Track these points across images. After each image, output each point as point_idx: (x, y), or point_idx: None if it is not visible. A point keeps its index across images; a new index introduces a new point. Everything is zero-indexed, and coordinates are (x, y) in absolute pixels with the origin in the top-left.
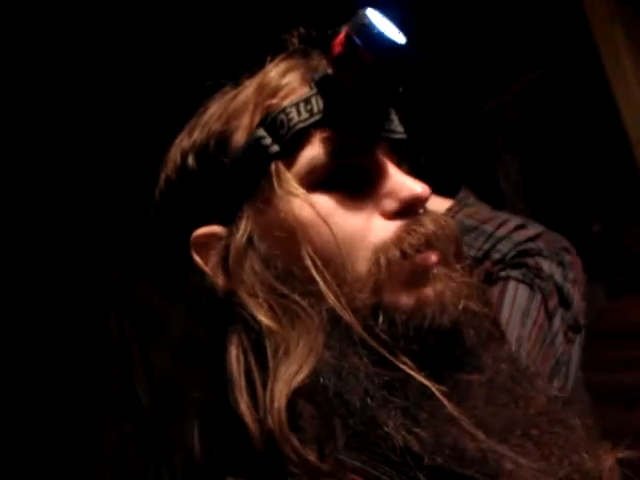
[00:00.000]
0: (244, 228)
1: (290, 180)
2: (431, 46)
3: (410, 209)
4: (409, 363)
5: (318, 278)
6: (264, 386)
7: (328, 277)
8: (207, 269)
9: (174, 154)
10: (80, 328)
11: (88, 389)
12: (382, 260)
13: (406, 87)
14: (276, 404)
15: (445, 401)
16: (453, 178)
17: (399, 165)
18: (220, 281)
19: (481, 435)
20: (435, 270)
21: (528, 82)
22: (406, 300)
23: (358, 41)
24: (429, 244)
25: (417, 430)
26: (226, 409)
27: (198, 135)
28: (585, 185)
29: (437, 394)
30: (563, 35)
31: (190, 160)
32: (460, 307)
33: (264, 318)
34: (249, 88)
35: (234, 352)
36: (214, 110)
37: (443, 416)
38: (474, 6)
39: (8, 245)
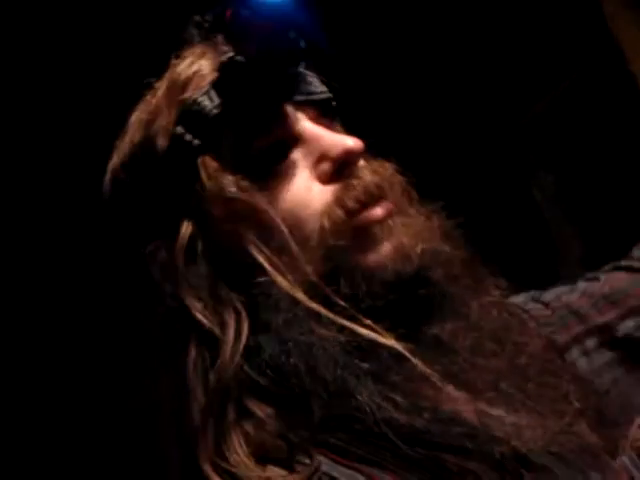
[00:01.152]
0: (186, 232)
1: (218, 171)
2: (454, 70)
3: (345, 166)
4: (372, 325)
5: (266, 264)
6: None
7: (275, 260)
8: (167, 279)
9: (107, 176)
10: None
11: None
12: (326, 224)
13: (307, 45)
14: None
15: (414, 359)
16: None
17: (332, 128)
18: (172, 291)
19: (452, 390)
20: (389, 222)
21: (555, 95)
22: (365, 259)
23: (243, 11)
24: (373, 196)
25: (392, 395)
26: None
27: (124, 150)
28: (622, 190)
29: (404, 353)
30: (584, 45)
31: (121, 177)
32: (420, 251)
33: (208, 323)
34: (160, 88)
35: (192, 360)
36: (133, 121)
37: (417, 376)
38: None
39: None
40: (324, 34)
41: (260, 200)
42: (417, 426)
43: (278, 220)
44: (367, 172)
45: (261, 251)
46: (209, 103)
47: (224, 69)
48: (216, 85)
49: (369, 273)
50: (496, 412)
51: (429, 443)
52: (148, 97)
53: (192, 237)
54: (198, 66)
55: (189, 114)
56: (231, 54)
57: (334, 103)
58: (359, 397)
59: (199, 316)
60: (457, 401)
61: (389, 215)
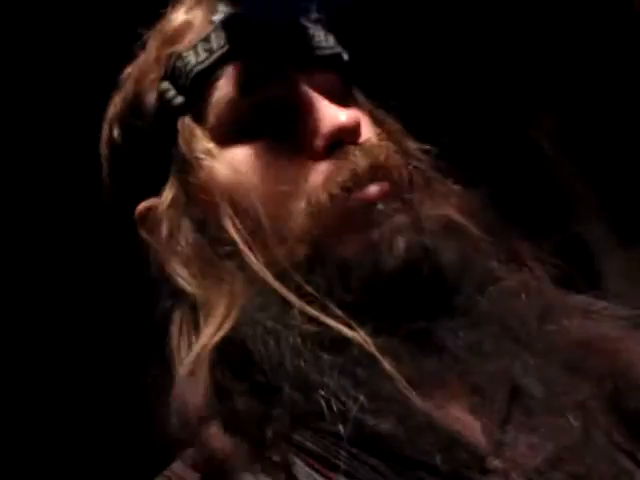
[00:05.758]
0: (172, 196)
1: (199, 136)
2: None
3: (338, 144)
4: (343, 318)
5: (239, 242)
6: None
7: (248, 238)
8: (155, 244)
9: (104, 128)
10: None
11: None
12: (315, 210)
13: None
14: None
15: (381, 357)
16: None
17: (343, 86)
18: (160, 255)
19: (415, 397)
20: (379, 206)
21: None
22: (347, 249)
23: None
24: (361, 181)
25: (356, 393)
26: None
27: (118, 103)
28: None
29: (370, 349)
30: None
31: (115, 132)
32: (408, 243)
33: (195, 288)
34: (152, 39)
35: (176, 328)
36: (128, 73)
37: (387, 376)
38: None
39: None
40: None
41: (245, 171)
42: (380, 430)
43: (252, 195)
44: (361, 153)
45: (235, 226)
46: (194, 58)
47: (221, 21)
48: (206, 39)
49: (345, 265)
50: (472, 421)
51: (390, 451)
52: (141, 48)
53: (178, 200)
54: (192, 16)
55: (174, 69)
56: (225, 7)
57: (346, 62)
58: (321, 392)
59: (186, 283)
60: (440, 408)
61: (383, 197)
